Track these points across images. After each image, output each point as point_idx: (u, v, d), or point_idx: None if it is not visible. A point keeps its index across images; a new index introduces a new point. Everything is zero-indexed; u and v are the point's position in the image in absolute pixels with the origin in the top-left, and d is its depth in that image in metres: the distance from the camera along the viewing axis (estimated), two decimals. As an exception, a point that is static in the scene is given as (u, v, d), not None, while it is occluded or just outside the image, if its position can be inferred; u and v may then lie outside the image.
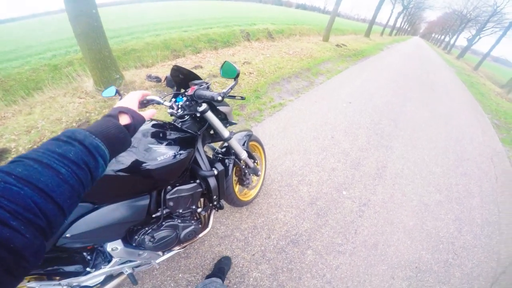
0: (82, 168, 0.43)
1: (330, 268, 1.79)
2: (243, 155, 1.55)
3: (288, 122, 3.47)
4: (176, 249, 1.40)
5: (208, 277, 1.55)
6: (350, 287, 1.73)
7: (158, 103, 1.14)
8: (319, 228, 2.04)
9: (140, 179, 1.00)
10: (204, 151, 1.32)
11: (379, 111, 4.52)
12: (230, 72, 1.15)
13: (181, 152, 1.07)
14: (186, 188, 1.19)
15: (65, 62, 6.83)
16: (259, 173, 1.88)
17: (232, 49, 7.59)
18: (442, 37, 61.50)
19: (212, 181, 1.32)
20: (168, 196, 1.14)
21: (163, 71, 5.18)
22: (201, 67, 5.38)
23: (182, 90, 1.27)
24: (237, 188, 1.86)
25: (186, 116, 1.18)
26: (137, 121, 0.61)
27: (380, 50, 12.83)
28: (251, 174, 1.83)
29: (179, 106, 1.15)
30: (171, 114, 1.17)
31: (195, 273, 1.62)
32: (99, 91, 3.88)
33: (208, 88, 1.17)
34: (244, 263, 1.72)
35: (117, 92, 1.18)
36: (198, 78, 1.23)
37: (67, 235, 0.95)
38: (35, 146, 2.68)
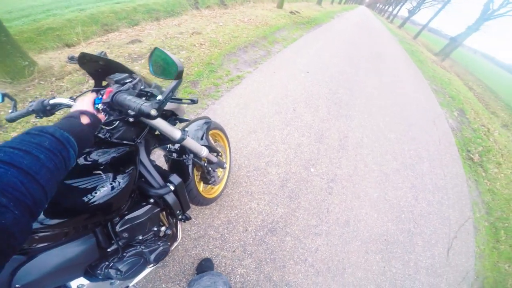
0: (57, 156, 0.46)
1: (310, 251, 1.79)
2: (204, 152, 1.23)
3: (249, 97, 3.21)
4: (150, 267, 1.17)
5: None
6: (331, 267, 1.74)
7: (68, 106, 0.84)
8: (293, 212, 2.00)
9: (70, 223, 0.72)
10: (151, 160, 1.00)
11: (335, 81, 4.53)
12: (166, 68, 0.74)
13: (119, 177, 0.75)
14: (138, 214, 0.92)
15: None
16: (225, 165, 1.63)
17: (177, 19, 6.73)
18: (386, 7, 65.24)
19: (170, 198, 1.05)
20: (118, 229, 0.88)
21: (90, 49, 4.33)
22: (139, 41, 4.65)
23: (105, 83, 0.90)
24: (201, 187, 1.60)
25: (114, 122, 0.79)
26: (96, 121, 0.65)
27: (331, 18, 12.95)
28: (216, 170, 1.56)
29: (100, 110, 0.74)
30: None
31: (178, 280, 1.48)
32: (5, 83, 3.08)
33: (134, 87, 0.80)
34: (227, 261, 1.61)
35: (6, 95, 0.87)
36: (121, 66, 0.84)
37: (16, 286, 0.72)
38: None
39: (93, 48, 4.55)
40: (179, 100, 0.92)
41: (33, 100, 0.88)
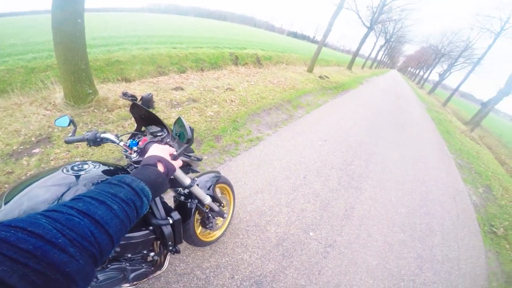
0: (130, 206, 0.51)
1: None
2: (207, 200, 1.46)
3: (263, 159, 3.48)
4: (125, 287, 1.27)
5: None
6: None
7: (113, 142, 1.09)
8: (283, 269, 2.04)
9: None
10: (160, 196, 1.22)
11: (352, 151, 4.68)
12: (183, 133, 1.00)
13: None
14: (135, 235, 1.10)
15: (43, 66, 6.48)
16: (225, 215, 1.83)
17: (218, 72, 7.68)
18: (417, 71, 66.30)
19: (167, 229, 1.23)
20: None
21: (142, 88, 5.08)
22: (182, 89, 5.36)
23: (143, 129, 1.20)
24: (199, 229, 1.79)
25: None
26: (170, 169, 0.73)
27: (359, 83, 13.64)
28: (216, 218, 1.77)
29: (134, 151, 1.06)
30: (126, 156, 1.09)
31: None
32: (68, 105, 3.68)
33: (162, 140, 1.06)
34: None
35: (72, 122, 1.11)
36: (158, 120, 1.12)
37: None
38: None
39: (144, 87, 5.28)
40: (189, 157, 1.21)
41: (88, 131, 1.12)
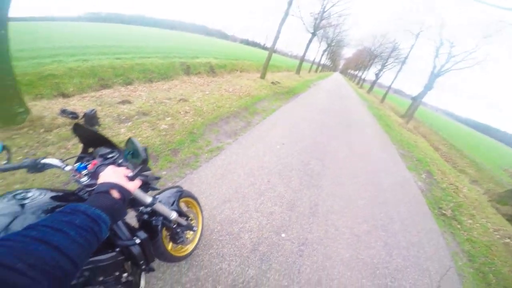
0: (87, 231, 0.50)
1: None
2: (173, 216, 1.38)
3: (226, 168, 3.44)
4: None
5: None
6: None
7: (57, 167, 0.99)
8: (264, 273, 2.05)
9: None
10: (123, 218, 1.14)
11: (308, 151, 4.97)
12: (136, 154, 0.95)
13: None
14: (102, 258, 1.02)
15: None
16: (195, 228, 1.77)
17: (168, 82, 7.38)
18: (356, 72, 72.78)
19: (135, 249, 1.17)
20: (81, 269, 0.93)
21: (83, 104, 4.58)
22: (130, 102, 5.00)
23: (91, 150, 1.11)
24: (169, 245, 1.70)
25: (94, 186, 0.95)
26: (127, 194, 0.71)
27: (308, 87, 14.66)
28: (185, 232, 1.71)
29: (83, 175, 0.98)
30: (76, 181, 0.99)
31: None
32: None
33: (114, 161, 1.02)
34: None
35: (4, 147, 0.98)
36: (106, 140, 1.06)
37: None
38: None
39: (86, 102, 4.76)
40: (146, 177, 1.12)
41: (26, 157, 1.02)
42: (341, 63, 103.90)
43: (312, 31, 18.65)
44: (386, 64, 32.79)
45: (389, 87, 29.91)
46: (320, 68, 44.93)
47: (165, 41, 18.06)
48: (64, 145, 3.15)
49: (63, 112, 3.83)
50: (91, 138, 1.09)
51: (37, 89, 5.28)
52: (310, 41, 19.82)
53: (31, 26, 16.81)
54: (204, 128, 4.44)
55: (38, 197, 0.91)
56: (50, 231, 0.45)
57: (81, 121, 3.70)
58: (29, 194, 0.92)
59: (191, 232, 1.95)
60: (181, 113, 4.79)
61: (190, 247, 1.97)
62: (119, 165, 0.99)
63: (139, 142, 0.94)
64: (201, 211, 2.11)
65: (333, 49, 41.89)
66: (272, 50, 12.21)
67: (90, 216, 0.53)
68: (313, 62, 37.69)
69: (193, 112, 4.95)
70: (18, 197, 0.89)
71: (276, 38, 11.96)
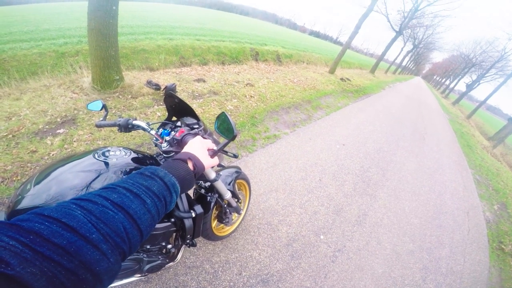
0: (161, 201, 0.50)
1: None
2: (227, 195, 1.46)
3: (279, 158, 3.47)
4: (137, 277, 1.29)
5: None
6: None
7: (144, 130, 1.10)
8: (291, 269, 2.05)
9: None
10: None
11: (370, 158, 4.58)
12: (226, 129, 0.97)
13: None
14: (158, 227, 1.11)
15: (73, 51, 6.76)
16: (241, 211, 1.84)
17: (238, 66, 7.70)
18: (443, 79, 63.03)
19: (188, 222, 1.24)
20: None
21: (165, 78, 5.19)
22: (204, 81, 5.42)
23: (174, 118, 1.21)
24: (214, 223, 1.81)
25: (171, 153, 1.06)
26: (200, 168, 0.69)
27: (381, 88, 13.22)
28: (232, 213, 1.79)
29: (165, 141, 1.05)
30: (156, 145, 1.09)
31: None
32: (94, 90, 3.80)
33: (198, 133, 1.06)
34: None
35: (104, 106, 1.14)
36: (193, 112, 1.13)
37: None
38: (10, 136, 2.63)
39: (168, 77, 5.39)
40: (226, 152, 1.17)
41: (121, 117, 1.13)
42: (426, 67, 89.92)
43: (398, 29, 16.76)
44: (486, 75, 27.45)
45: (483, 102, 24.61)
46: (399, 70, 39.80)
47: (238, 26, 18.72)
48: (144, 111, 3.66)
49: (149, 83, 4.43)
50: (179, 107, 1.17)
51: (130, 62, 6.18)
52: (393, 40, 17.79)
53: (131, 5, 19.66)
54: (265, 114, 4.53)
55: (121, 157, 0.99)
56: (129, 196, 0.44)
57: (162, 93, 4.24)
58: (117, 152, 1.01)
59: (236, 215, 2.03)
60: (247, 96, 4.98)
61: (230, 229, 2.05)
62: (204, 137, 1.03)
63: (231, 118, 0.96)
64: (250, 196, 2.15)
65: (419, 52, 36.34)
66: (347, 46, 11.43)
67: (166, 183, 0.53)
68: (392, 63, 33.73)
69: (257, 98, 5.08)
70: (107, 154, 0.98)
71: (354, 33, 11.09)
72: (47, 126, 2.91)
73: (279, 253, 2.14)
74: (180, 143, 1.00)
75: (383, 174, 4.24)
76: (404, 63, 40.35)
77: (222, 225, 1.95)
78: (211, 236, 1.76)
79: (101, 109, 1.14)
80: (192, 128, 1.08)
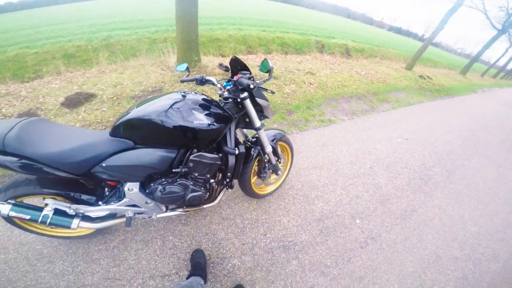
0: None
1: (305, 284, 1.76)
2: (268, 149, 1.70)
3: (330, 140, 3.46)
4: (179, 211, 1.55)
5: (188, 277, 1.48)
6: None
7: (213, 83, 1.47)
8: (315, 244, 2.04)
9: (176, 133, 1.20)
10: (235, 134, 1.53)
11: (436, 158, 4.05)
12: (266, 67, 1.41)
13: (215, 124, 1.29)
14: (208, 156, 1.37)
15: (162, 38, 8.04)
16: (279, 172, 1.98)
17: (301, 57, 7.71)
18: None
19: (232, 159, 1.49)
20: (191, 157, 1.31)
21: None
22: (267, 68, 5.70)
23: (235, 78, 1.50)
24: (254, 179, 1.99)
25: (229, 99, 1.44)
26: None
27: (472, 91, 11.07)
28: (270, 170, 1.96)
29: (227, 90, 1.45)
30: (220, 95, 1.47)
31: (183, 240, 1.77)
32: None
33: (249, 78, 1.40)
34: (231, 248, 1.82)
35: (187, 68, 1.54)
36: (248, 70, 1.46)
37: (103, 165, 1.12)
38: (115, 98, 3.47)
39: None
40: (265, 89, 1.62)
41: (198, 74, 1.65)
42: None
43: (500, 28, 14.15)
44: None
45: None
46: (502, 73, 32.10)
47: (304, 19, 18.43)
48: (214, 87, 4.18)
49: (220, 65, 4.91)
50: (239, 66, 1.50)
51: (206, 48, 7.04)
52: (494, 39, 14.73)
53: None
54: (323, 100, 4.51)
55: (195, 95, 1.34)
56: None
57: (229, 74, 4.74)
58: (193, 93, 1.37)
59: (275, 176, 2.17)
60: (306, 83, 5.04)
61: (269, 189, 2.21)
62: (250, 79, 1.41)
63: (271, 61, 1.35)
64: (291, 161, 2.26)
65: (532, 54, 28.32)
66: (429, 42, 10.15)
67: None
68: (491, 65, 27.43)
69: (317, 85, 5.08)
70: (186, 93, 1.35)
71: (439, 29, 9.74)
72: (141, 93, 3.71)
73: (309, 225, 2.17)
74: (236, 83, 1.35)
75: (448, 176, 3.71)
76: (509, 67, 32.19)
77: (262, 184, 2.16)
78: (249, 191, 1.96)
79: (185, 70, 1.53)
80: (245, 75, 1.43)
